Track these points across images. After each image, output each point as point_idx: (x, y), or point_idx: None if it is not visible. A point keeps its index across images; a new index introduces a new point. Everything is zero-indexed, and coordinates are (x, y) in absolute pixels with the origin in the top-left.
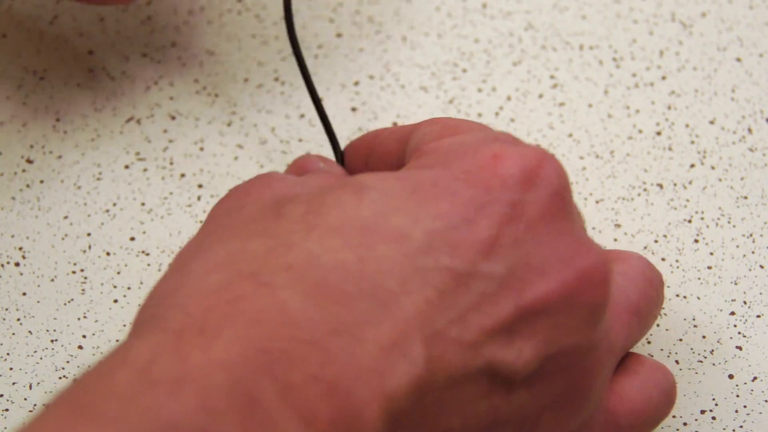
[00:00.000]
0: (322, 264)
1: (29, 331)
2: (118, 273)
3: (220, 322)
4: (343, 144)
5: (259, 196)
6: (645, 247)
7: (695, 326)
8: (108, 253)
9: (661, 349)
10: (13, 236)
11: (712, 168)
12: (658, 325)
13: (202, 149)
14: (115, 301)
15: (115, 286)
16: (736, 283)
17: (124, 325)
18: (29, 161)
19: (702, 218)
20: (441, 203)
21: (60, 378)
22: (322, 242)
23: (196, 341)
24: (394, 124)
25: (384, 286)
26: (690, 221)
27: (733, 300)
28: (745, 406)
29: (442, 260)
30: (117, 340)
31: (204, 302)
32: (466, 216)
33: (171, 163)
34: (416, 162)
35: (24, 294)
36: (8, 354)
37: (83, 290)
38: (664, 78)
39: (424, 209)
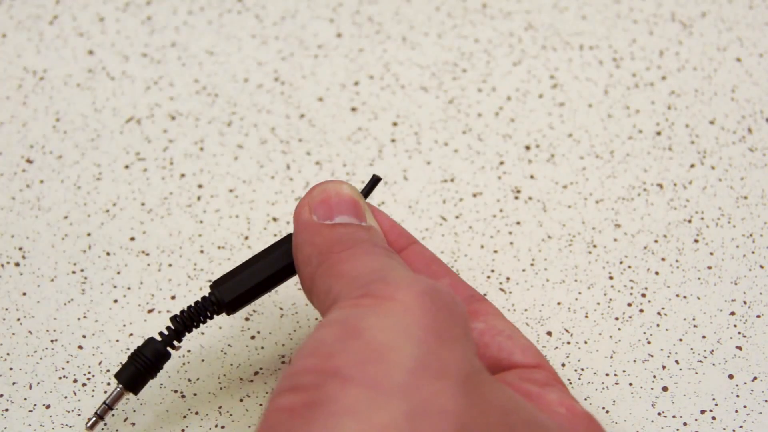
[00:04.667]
0: None
1: (29, 331)
2: (118, 273)
3: None
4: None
5: None
6: (645, 247)
7: (695, 326)
8: (108, 253)
9: (661, 349)
10: (13, 236)
11: (712, 168)
12: (658, 325)
13: (202, 149)
14: (115, 301)
15: (115, 286)
16: (736, 283)
17: (124, 326)
18: (29, 161)
19: (702, 218)
20: None
21: (60, 378)
22: None
23: None
24: (394, 124)
25: None
26: (690, 221)
27: (733, 300)
28: (745, 406)
29: None
30: (117, 341)
31: None
32: None
33: (171, 163)
34: None
35: (24, 294)
36: (8, 354)
37: (83, 290)
38: (664, 78)
39: None
